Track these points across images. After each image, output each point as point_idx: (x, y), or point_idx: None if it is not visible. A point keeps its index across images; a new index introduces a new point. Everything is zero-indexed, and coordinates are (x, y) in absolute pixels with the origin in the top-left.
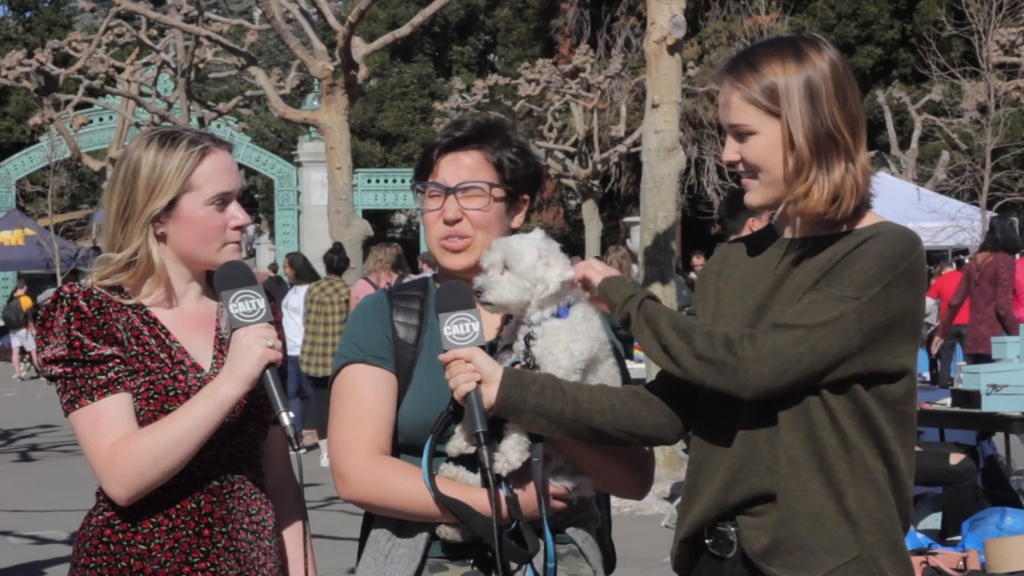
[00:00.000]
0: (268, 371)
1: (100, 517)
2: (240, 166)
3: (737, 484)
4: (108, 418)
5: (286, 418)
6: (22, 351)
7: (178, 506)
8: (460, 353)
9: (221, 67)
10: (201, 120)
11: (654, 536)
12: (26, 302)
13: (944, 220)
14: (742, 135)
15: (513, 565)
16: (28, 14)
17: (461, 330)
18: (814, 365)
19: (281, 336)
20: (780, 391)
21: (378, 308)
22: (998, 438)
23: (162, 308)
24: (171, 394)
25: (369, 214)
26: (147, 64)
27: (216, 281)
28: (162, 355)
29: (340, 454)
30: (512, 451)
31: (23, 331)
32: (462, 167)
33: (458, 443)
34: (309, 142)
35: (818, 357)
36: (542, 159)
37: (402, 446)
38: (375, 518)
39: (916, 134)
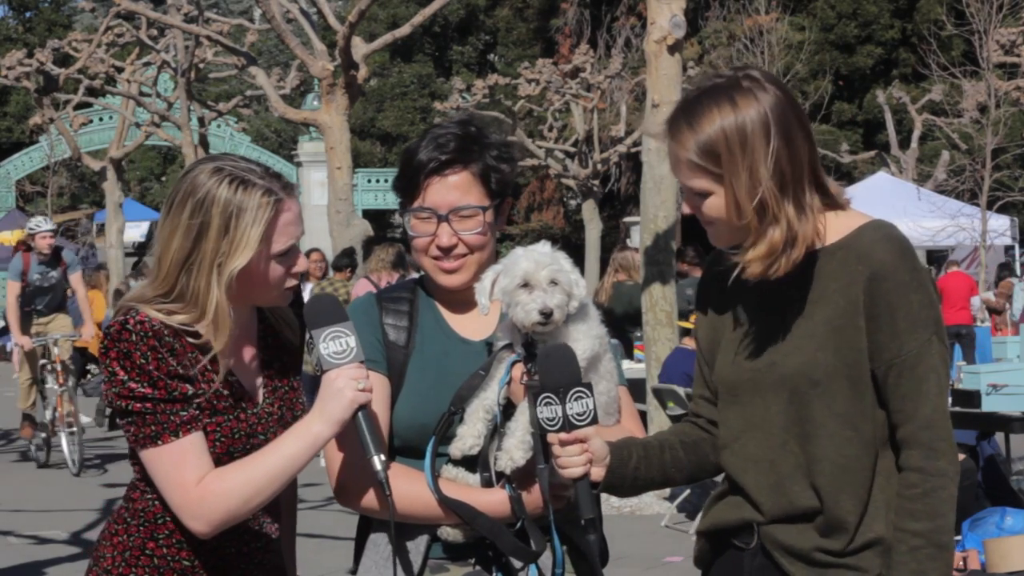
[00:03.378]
0: (360, 413)
1: (143, 528)
2: None
3: (779, 496)
4: (194, 455)
5: (377, 462)
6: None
7: None
8: (580, 434)
9: (221, 67)
10: (201, 120)
11: (654, 536)
12: None
13: (944, 220)
14: (697, 195)
15: (518, 564)
16: (28, 14)
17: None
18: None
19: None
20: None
21: (368, 311)
22: (998, 438)
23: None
24: (236, 436)
25: (369, 214)
26: (147, 64)
27: (306, 316)
28: (225, 392)
29: (337, 464)
30: (516, 449)
31: None
32: (451, 189)
33: (461, 444)
34: (309, 142)
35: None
36: (520, 143)
37: (398, 449)
38: (373, 521)
39: (916, 134)
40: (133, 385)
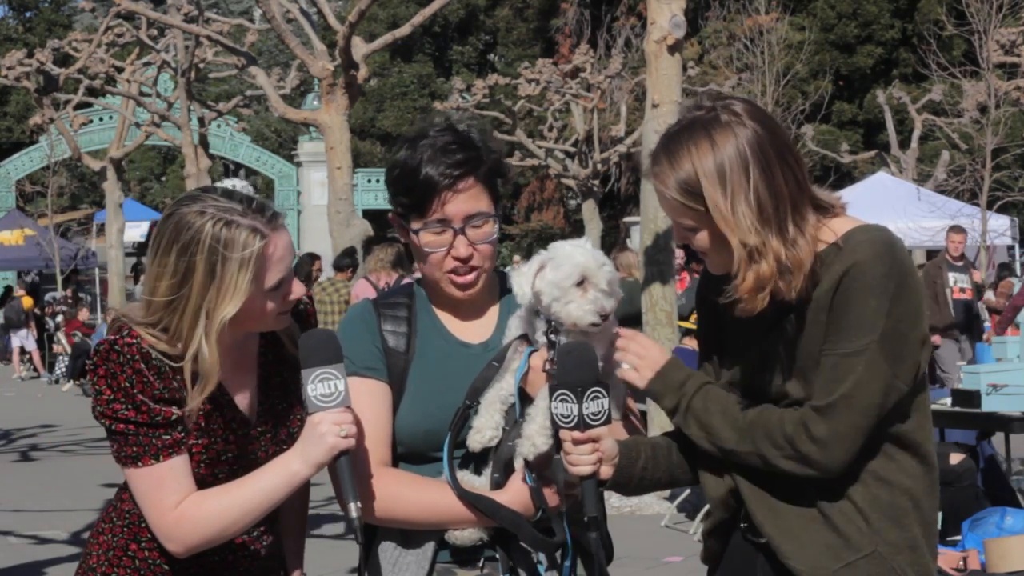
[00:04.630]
0: (342, 459)
1: (127, 530)
2: (240, 166)
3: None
4: (173, 479)
5: (354, 509)
6: (22, 351)
7: None
8: (593, 434)
9: (221, 67)
10: (201, 120)
11: (654, 536)
12: (27, 302)
13: (944, 220)
14: (689, 230)
15: (536, 557)
16: (28, 14)
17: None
18: (872, 418)
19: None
20: (859, 452)
21: (365, 318)
22: (998, 438)
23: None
24: (222, 458)
25: (369, 214)
26: (147, 64)
27: (300, 351)
28: (215, 414)
29: None
30: (538, 435)
31: (24, 331)
32: (465, 200)
33: (480, 437)
34: (309, 142)
35: (871, 410)
36: (503, 146)
37: (401, 455)
38: (379, 530)
39: (916, 134)
40: (117, 406)
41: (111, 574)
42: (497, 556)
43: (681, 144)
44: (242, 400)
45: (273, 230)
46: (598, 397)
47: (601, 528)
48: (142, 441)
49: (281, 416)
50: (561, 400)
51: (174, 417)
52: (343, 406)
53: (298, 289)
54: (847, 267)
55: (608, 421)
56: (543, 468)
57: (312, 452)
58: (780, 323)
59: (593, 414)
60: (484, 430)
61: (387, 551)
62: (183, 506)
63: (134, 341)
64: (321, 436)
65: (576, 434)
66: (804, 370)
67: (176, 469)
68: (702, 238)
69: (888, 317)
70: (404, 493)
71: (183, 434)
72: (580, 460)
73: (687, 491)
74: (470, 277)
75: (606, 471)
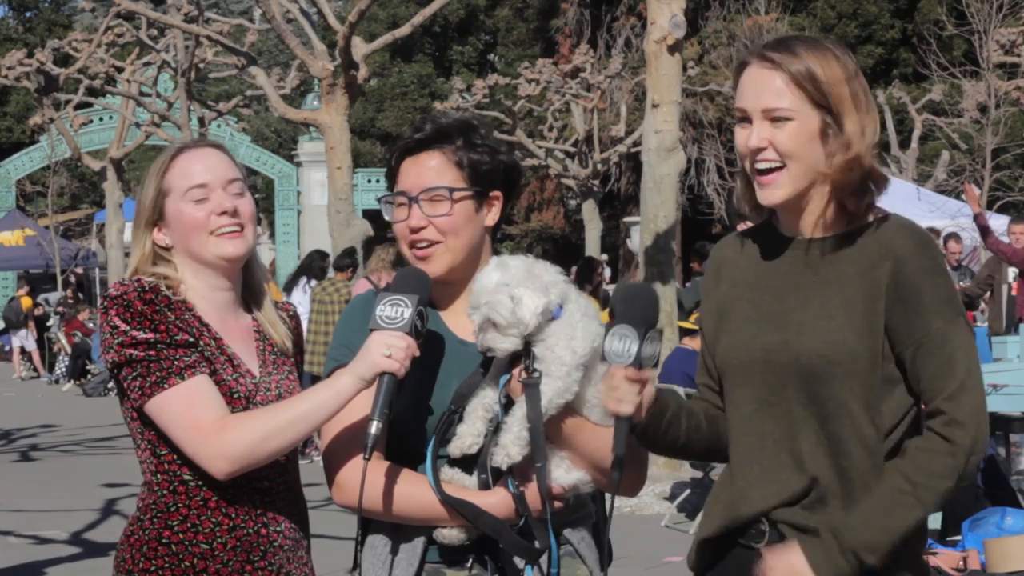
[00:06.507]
0: (383, 378)
1: (156, 520)
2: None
3: (800, 473)
4: (203, 395)
5: (373, 427)
6: (22, 351)
7: (237, 505)
8: (646, 375)
9: (221, 67)
10: (201, 120)
11: (654, 536)
12: (27, 302)
13: (944, 220)
14: (777, 120)
15: (520, 564)
16: (28, 14)
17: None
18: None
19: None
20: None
21: (367, 309)
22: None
23: (211, 317)
24: (235, 396)
25: (369, 214)
26: (147, 64)
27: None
28: (222, 357)
29: (335, 460)
30: (512, 445)
31: (23, 331)
32: (424, 170)
33: (460, 443)
34: (309, 142)
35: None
36: (515, 155)
37: (397, 449)
38: (371, 523)
39: (916, 134)
40: (136, 333)
41: (150, 568)
42: (486, 556)
43: (806, 45)
44: (245, 356)
45: (192, 147)
46: (655, 340)
47: (624, 468)
48: (163, 364)
49: (283, 383)
50: (620, 337)
51: (191, 340)
52: (403, 331)
53: (224, 202)
54: (896, 254)
55: (656, 367)
56: (526, 475)
57: (358, 366)
58: (798, 283)
59: (649, 356)
60: (465, 437)
61: (377, 546)
62: (228, 417)
63: (141, 278)
64: (369, 351)
65: (631, 371)
66: (833, 330)
67: (203, 386)
68: (792, 131)
69: (956, 292)
70: (395, 487)
71: (201, 362)
72: (625, 396)
73: (687, 491)
74: (428, 250)
75: (639, 415)
